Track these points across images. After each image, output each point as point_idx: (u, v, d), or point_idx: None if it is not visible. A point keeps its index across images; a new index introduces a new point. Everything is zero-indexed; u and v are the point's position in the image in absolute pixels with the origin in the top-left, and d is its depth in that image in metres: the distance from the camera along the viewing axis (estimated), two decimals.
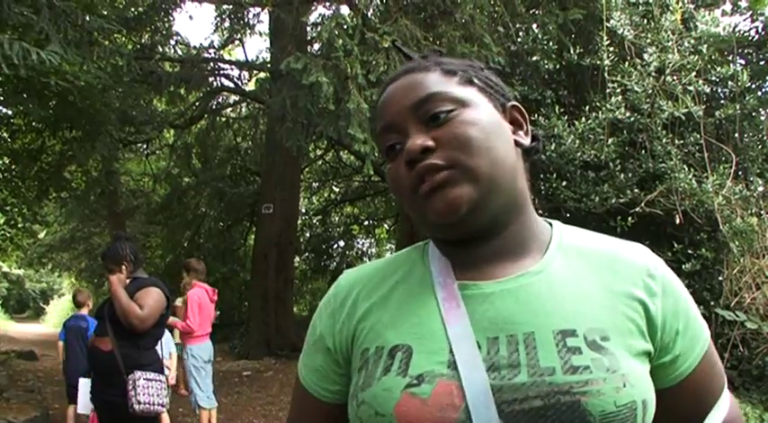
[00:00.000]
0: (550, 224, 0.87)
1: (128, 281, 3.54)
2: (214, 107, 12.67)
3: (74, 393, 5.18)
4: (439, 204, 0.74)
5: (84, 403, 4.67)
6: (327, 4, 8.48)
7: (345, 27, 6.10)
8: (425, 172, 0.74)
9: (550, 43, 6.41)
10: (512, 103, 0.85)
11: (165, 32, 9.27)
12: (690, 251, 5.84)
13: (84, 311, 6.46)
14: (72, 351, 6.05)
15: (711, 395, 0.82)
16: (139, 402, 3.32)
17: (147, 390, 3.38)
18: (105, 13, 7.17)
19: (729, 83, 5.92)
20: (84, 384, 4.66)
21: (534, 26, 6.73)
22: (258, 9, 10.35)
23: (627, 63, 5.85)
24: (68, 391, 5.75)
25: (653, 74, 5.72)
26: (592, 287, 0.76)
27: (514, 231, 0.80)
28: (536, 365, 0.68)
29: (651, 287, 0.77)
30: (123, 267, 3.55)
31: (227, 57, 12.79)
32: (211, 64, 11.24)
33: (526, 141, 0.84)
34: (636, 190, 5.85)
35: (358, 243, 16.86)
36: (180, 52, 11.12)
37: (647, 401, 0.70)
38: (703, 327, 0.82)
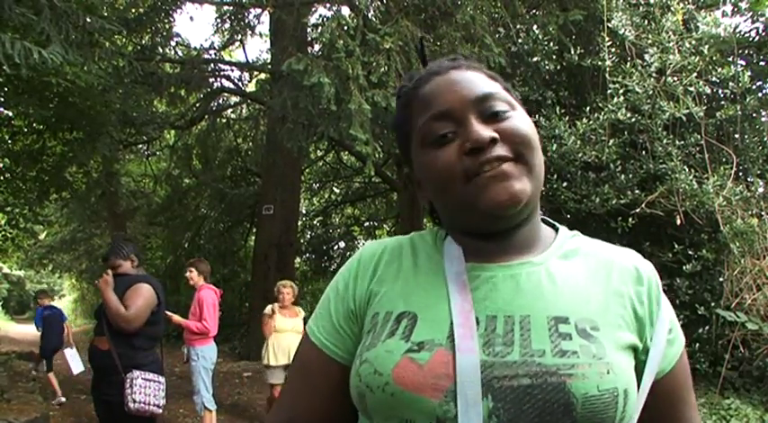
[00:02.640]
0: (556, 228, 0.92)
1: (116, 277, 3.60)
2: (214, 108, 12.66)
3: (50, 363, 7.90)
4: (502, 195, 0.77)
5: (76, 366, 6.94)
6: (328, 5, 8.48)
7: (346, 28, 6.10)
8: (489, 162, 0.77)
9: (551, 44, 6.41)
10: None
11: (165, 34, 9.25)
12: (690, 252, 5.84)
13: (47, 302, 8.91)
14: (51, 332, 8.10)
15: (684, 403, 0.86)
16: (134, 401, 3.34)
17: (144, 389, 3.40)
18: (106, 14, 7.18)
19: (730, 84, 5.93)
20: (70, 353, 7.16)
21: (535, 27, 6.73)
22: (258, 10, 10.36)
23: (628, 64, 5.85)
24: (48, 361, 7.91)
25: (654, 75, 5.72)
26: (587, 283, 0.81)
27: (528, 230, 0.86)
28: (528, 346, 0.73)
29: (639, 289, 0.83)
30: (129, 262, 3.67)
31: (227, 58, 12.79)
32: (212, 65, 11.23)
33: None
34: (636, 191, 5.85)
35: (359, 244, 16.83)
36: (180, 53, 11.13)
37: (628, 391, 0.73)
38: (680, 334, 0.86)
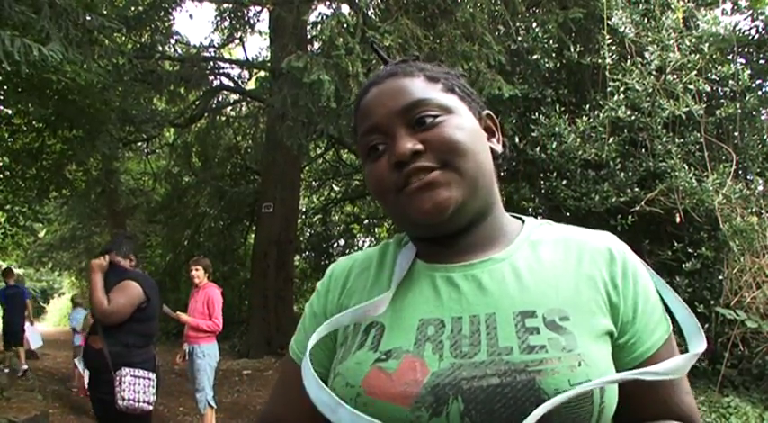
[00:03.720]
0: (523, 220, 0.91)
1: (112, 268, 3.65)
2: (214, 106, 12.65)
3: (17, 338, 8.78)
4: (426, 204, 0.78)
5: (35, 341, 8.76)
6: (328, 2, 8.47)
7: (346, 26, 6.09)
8: (414, 174, 0.78)
9: (551, 42, 6.40)
10: (486, 111, 0.91)
11: (164, 31, 9.24)
12: (690, 250, 5.84)
13: (12, 281, 9.27)
14: (13, 310, 8.89)
15: (672, 386, 0.81)
16: (123, 399, 3.37)
17: (133, 386, 3.42)
18: (105, 12, 7.17)
19: (730, 82, 5.92)
20: (30, 329, 8.80)
21: (534, 25, 6.72)
22: (258, 8, 10.35)
23: (628, 62, 5.84)
24: (15, 337, 8.74)
25: (654, 73, 5.72)
26: (556, 271, 0.80)
27: (484, 229, 0.86)
28: (495, 344, 0.72)
29: (613, 270, 0.80)
30: (128, 261, 3.78)
31: (227, 56, 12.79)
32: (211, 63, 11.23)
33: (498, 148, 0.90)
34: (636, 189, 5.85)
35: (358, 242, 16.83)
36: (180, 51, 11.12)
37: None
38: (665, 317, 0.83)
